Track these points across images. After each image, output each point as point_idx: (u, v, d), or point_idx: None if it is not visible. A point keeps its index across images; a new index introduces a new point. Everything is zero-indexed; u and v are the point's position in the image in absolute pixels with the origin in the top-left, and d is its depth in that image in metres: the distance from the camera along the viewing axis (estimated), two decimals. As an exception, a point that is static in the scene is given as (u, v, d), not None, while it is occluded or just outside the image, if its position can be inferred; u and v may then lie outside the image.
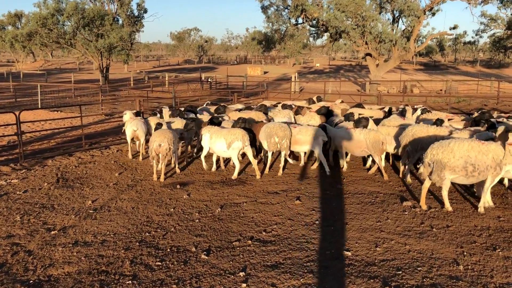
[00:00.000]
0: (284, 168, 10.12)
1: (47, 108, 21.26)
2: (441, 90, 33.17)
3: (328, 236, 6.48)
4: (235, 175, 9.54)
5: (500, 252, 5.95)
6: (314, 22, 36.47)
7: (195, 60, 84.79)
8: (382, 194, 8.45)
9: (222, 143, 9.31)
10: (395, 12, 36.55)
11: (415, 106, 12.30)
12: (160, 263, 5.56)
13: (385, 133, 9.66)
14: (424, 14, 34.08)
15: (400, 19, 36.59)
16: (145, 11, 52.21)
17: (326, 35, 37.79)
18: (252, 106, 13.92)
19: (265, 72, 60.38)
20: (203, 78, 40.80)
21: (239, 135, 9.28)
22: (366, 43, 35.44)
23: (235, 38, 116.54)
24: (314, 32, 37.69)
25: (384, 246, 6.16)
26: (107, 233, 6.51)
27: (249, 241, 6.24)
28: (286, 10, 36.50)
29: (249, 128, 10.03)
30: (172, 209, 7.52)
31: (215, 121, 10.24)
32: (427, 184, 7.72)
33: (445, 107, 23.10)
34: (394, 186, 9.03)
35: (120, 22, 49.49)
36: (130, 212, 7.37)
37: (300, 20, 37.22)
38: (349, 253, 5.90)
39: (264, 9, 36.68)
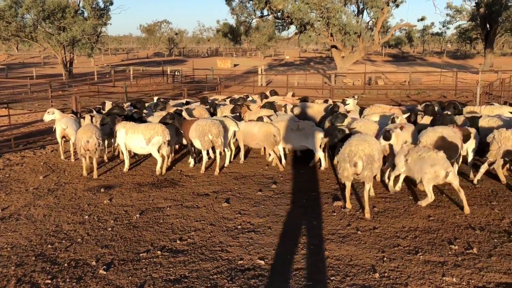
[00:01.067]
0: (223, 167, 9.73)
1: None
2: (404, 81, 33.20)
3: (246, 243, 6.10)
4: (158, 169, 9.27)
5: (421, 256, 5.66)
6: (279, 14, 36.00)
7: (165, 53, 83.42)
8: (316, 193, 8.12)
9: (139, 138, 8.86)
10: (359, 3, 36.41)
11: (347, 100, 12.01)
12: (50, 281, 5.06)
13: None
14: (388, 5, 34.00)
15: (365, 10, 36.43)
16: (111, 3, 50.61)
17: (292, 27, 37.45)
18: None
19: (235, 65, 59.76)
20: (168, 72, 39.95)
21: (159, 130, 8.85)
22: (331, 35, 35.23)
23: (206, 30, 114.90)
24: (279, 24, 37.21)
25: (302, 252, 5.80)
26: (4, 246, 5.98)
27: (159, 252, 5.80)
28: (251, 2, 35.94)
29: (180, 124, 9.54)
30: (87, 216, 7.01)
31: (135, 117, 9.75)
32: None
33: (405, 99, 23.04)
34: (331, 184, 8.70)
35: (86, 14, 48.04)
36: (39, 221, 6.83)
37: (265, 12, 36.76)
38: (262, 262, 5.53)
39: (228, 1, 36.04)
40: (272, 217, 7.01)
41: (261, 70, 37.19)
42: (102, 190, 8.30)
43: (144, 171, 9.60)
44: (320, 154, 9.48)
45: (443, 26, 67.88)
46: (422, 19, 70.75)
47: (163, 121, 9.43)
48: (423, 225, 6.66)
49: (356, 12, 36.66)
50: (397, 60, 62.57)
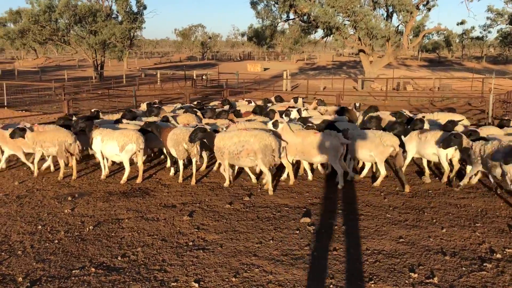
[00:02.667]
0: (205, 176, 9.37)
1: None
2: (434, 87, 31.94)
3: (189, 262, 5.70)
4: (124, 179, 9.04)
5: (372, 285, 5.11)
6: (305, 17, 35.46)
7: (198, 56, 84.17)
8: (288, 208, 7.63)
9: (114, 145, 8.62)
10: (388, 7, 35.34)
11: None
12: (-36, 298, 4.84)
13: None
14: (418, 9, 32.86)
15: (394, 14, 35.34)
16: (145, 8, 51.40)
17: (319, 31, 36.78)
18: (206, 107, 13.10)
19: (265, 69, 59.46)
20: (194, 76, 40.04)
21: (133, 137, 8.59)
22: (359, 39, 34.38)
23: (241, 34, 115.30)
24: (305, 28, 36.61)
25: (245, 275, 5.36)
26: None
27: (93, 269, 5.49)
28: (276, 6, 35.53)
29: (158, 132, 9.24)
30: (40, 227, 6.80)
31: (116, 123, 9.56)
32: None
33: (428, 106, 22.06)
34: (309, 197, 8.19)
35: (120, 18, 48.95)
36: (-10, 230, 6.67)
37: (291, 16, 36.26)
38: (196, 285, 5.12)
39: (254, 4, 35.78)
40: (230, 233, 6.59)
41: (286, 74, 36.66)
42: (70, 198, 8.10)
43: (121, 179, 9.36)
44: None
45: (484, 30, 65.35)
46: (461, 23, 68.54)
47: (141, 129, 9.18)
48: (390, 248, 6.08)
49: (385, 15, 35.57)
50: (433, 65, 60.61)
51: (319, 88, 34.86)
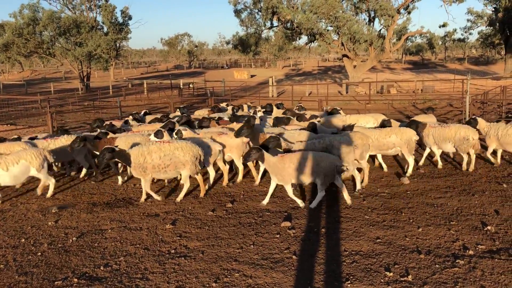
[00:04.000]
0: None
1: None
2: (417, 89, 32.39)
3: (171, 269, 5.81)
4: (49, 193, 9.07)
5: (349, 285, 5.27)
6: (289, 24, 35.78)
7: (185, 65, 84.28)
8: (269, 213, 7.78)
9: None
10: (370, 12, 35.81)
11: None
12: None
13: None
14: (399, 13, 33.35)
15: (376, 18, 35.79)
16: (130, 18, 51.47)
17: (304, 37, 37.12)
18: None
19: (252, 76, 59.82)
20: (181, 85, 40.15)
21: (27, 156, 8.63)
22: (342, 44, 34.78)
23: (226, 42, 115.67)
24: (289, 34, 36.92)
25: (225, 280, 5.48)
26: None
27: (76, 280, 5.58)
28: (260, 13, 35.84)
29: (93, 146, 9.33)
30: (23, 240, 6.87)
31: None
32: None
33: (410, 108, 22.40)
34: (290, 202, 8.34)
35: (105, 29, 48.99)
36: (-26, 245, 6.72)
37: (275, 23, 36.58)
38: (177, 291, 5.23)
39: (237, 12, 36.05)
40: (212, 240, 6.71)
41: (272, 81, 36.92)
42: (53, 210, 8.16)
43: (106, 190, 9.45)
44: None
45: (465, 32, 66.37)
46: (443, 25, 69.41)
47: (71, 145, 9.19)
48: (367, 249, 6.24)
49: (367, 20, 36.02)
50: (417, 68, 61.38)
51: (304, 94, 35.20)
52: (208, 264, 5.93)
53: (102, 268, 5.89)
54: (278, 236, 6.76)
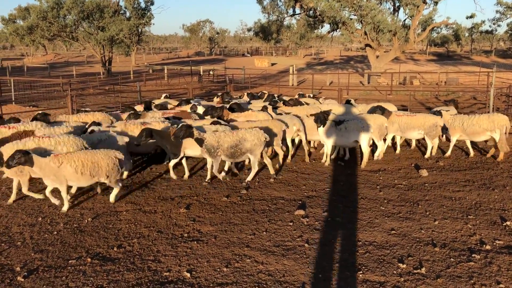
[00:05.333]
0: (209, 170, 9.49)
1: None
2: (440, 81, 31.78)
3: (183, 253, 5.84)
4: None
5: (360, 275, 5.22)
6: (311, 12, 35.39)
7: (206, 52, 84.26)
8: (284, 201, 7.74)
9: None
10: (395, 1, 35.15)
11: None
12: (-36, 286, 5.02)
13: None
14: (425, 3, 32.63)
15: (401, 8, 35.11)
16: (152, 3, 51.58)
17: (326, 26, 36.70)
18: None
19: (273, 64, 59.49)
20: (201, 71, 40.16)
21: None
22: (365, 34, 34.26)
23: (249, 29, 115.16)
24: (311, 22, 36.51)
25: (236, 265, 5.48)
26: None
27: (89, 259, 5.64)
28: (282, 0, 35.51)
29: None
30: (40, 219, 6.97)
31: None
32: None
33: (433, 101, 21.99)
34: (307, 190, 8.29)
35: (128, 14, 49.27)
36: (-8, 222, 6.84)
37: (297, 10, 36.22)
38: (188, 275, 5.26)
39: (259, -1, 35.75)
40: (225, 225, 6.72)
41: (293, 69, 36.65)
42: (71, 192, 8.25)
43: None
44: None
45: (493, 24, 64.75)
46: (471, 17, 67.80)
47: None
48: (381, 240, 6.16)
49: (391, 10, 35.37)
50: (442, 59, 60.16)
51: (325, 83, 34.85)
52: (220, 249, 5.93)
53: (115, 249, 5.95)
54: (291, 224, 6.73)
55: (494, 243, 5.98)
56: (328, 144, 9.79)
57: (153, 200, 7.83)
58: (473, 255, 5.63)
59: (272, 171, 9.10)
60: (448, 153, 10.60)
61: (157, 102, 13.28)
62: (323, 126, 9.55)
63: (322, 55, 78.37)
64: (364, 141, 9.58)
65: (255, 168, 8.81)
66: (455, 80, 31.92)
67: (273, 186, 8.60)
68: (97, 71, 44.85)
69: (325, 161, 10.04)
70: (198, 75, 37.08)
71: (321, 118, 9.42)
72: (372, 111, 10.69)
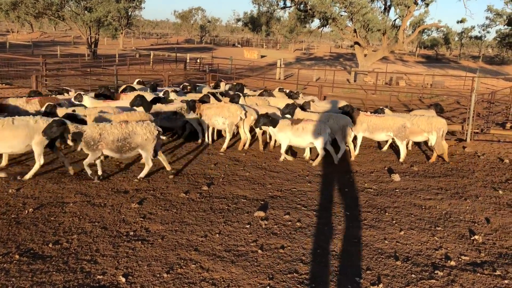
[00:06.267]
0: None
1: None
2: (426, 84, 31.55)
3: (123, 254, 5.35)
4: None
5: (312, 289, 4.78)
6: (302, 6, 34.87)
7: (196, 40, 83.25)
8: (246, 200, 7.28)
9: None
10: (386, 0, 34.80)
11: None
12: None
13: None
14: (416, 4, 32.29)
15: (392, 7, 34.75)
16: (143, -14, 50.53)
17: (317, 21, 36.20)
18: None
19: (262, 56, 58.88)
20: (188, 59, 39.42)
21: None
22: (355, 31, 33.85)
23: (238, 19, 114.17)
24: (302, 16, 35.98)
25: (179, 271, 5.01)
26: None
27: (17, 256, 5.12)
28: (273, -8, 34.88)
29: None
30: (-24, 207, 6.42)
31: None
32: None
33: (416, 103, 21.68)
34: (270, 189, 7.84)
35: (118, -4, 48.13)
36: None
37: (288, 3, 35.66)
38: (123, 280, 4.77)
39: (250, -11, 35.07)
40: (176, 224, 6.24)
41: (280, 63, 36.16)
42: (19, 177, 7.69)
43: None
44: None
45: (483, 30, 64.73)
46: (461, 21, 67.67)
47: None
48: (340, 248, 5.75)
49: (382, 9, 35.00)
50: (430, 62, 60.12)
51: (312, 79, 34.42)
52: (165, 251, 5.46)
53: (50, 245, 5.44)
54: (248, 226, 6.28)
55: (460, 259, 5.60)
56: (284, 144, 9.50)
57: (106, 192, 7.31)
58: (435, 272, 5.24)
59: (168, 168, 8.51)
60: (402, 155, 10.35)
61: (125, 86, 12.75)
62: (274, 127, 9.32)
63: (312, 50, 77.93)
64: (318, 143, 9.25)
65: (148, 165, 8.04)
66: (441, 83, 31.77)
67: (238, 183, 8.13)
68: (82, 52, 43.85)
69: (282, 159, 9.74)
70: (184, 63, 36.36)
71: (266, 118, 9.28)
72: (341, 109, 10.52)
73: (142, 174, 8.05)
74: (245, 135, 10.38)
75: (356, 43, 34.53)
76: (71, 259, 5.15)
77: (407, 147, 10.81)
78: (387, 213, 7.00)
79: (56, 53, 41.48)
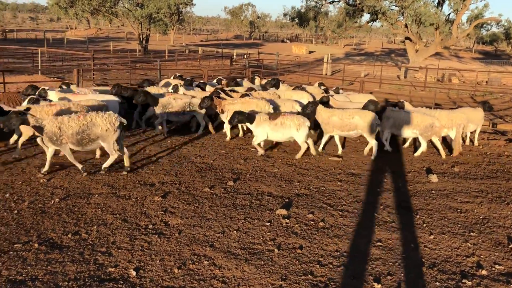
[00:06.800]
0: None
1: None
2: (481, 81, 30.04)
3: (138, 247, 5.33)
4: None
5: (325, 293, 4.56)
6: (351, 0, 34.13)
7: (245, 36, 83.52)
8: (270, 197, 7.11)
9: None
10: (440, -7, 33.40)
11: None
12: None
13: None
14: (471, -2, 30.78)
15: (446, 1, 33.30)
16: (194, -17, 51.20)
17: (365, 15, 35.33)
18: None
19: (311, 52, 58.40)
20: (234, 55, 39.59)
21: None
22: (406, 26, 32.74)
23: (285, 14, 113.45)
24: (350, 11, 35.19)
25: (191, 267, 4.93)
26: None
27: (36, 245, 5.21)
28: (321, -14, 34.32)
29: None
30: (8, 195, 6.60)
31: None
32: None
33: (467, 100, 20.66)
34: (297, 187, 7.63)
35: (170, -8, 49.05)
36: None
37: (336, -3, 35.01)
38: (133, 273, 4.75)
39: (298, -16, 34.65)
40: (196, 219, 6.17)
41: (327, 58, 35.59)
42: (57, 167, 7.88)
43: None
44: None
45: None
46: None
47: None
48: (361, 251, 5.47)
49: (435, 2, 33.61)
50: (488, 58, 57.27)
51: (360, 74, 33.63)
52: (180, 246, 5.39)
53: (69, 235, 5.50)
54: (268, 224, 6.11)
55: (493, 268, 5.19)
56: (259, 138, 9.34)
57: (132, 185, 7.35)
58: (463, 281, 4.88)
59: (127, 164, 8.08)
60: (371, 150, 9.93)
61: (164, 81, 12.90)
62: (250, 123, 9.20)
63: (363, 46, 76.28)
64: (299, 138, 9.11)
65: (113, 156, 7.74)
66: (497, 81, 30.14)
67: (265, 179, 7.97)
68: (133, 48, 44.99)
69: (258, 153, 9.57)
70: (230, 58, 36.50)
71: (241, 115, 9.16)
72: (365, 105, 10.24)
73: (106, 165, 7.78)
74: None
75: (407, 38, 33.42)
76: (87, 250, 5.19)
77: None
78: (418, 216, 6.63)
79: (109, 49, 42.76)
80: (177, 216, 6.24)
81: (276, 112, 9.65)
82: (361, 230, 6.08)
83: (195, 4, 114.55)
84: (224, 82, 13.72)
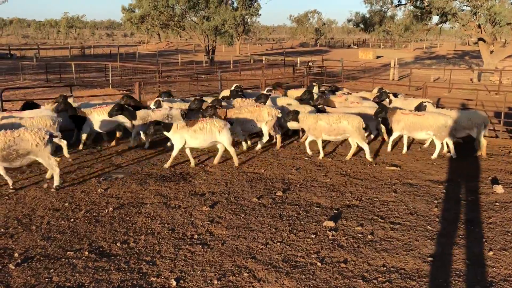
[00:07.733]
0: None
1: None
2: None
3: (182, 257, 5.41)
4: None
5: (366, 310, 4.37)
6: (418, 2, 32.96)
7: (310, 43, 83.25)
8: (319, 208, 6.97)
9: None
10: (518, -11, 31.34)
11: None
12: (-43, 267, 5.07)
13: None
14: (554, -9, 28.67)
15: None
16: (260, -6, 51.89)
17: (434, 17, 33.97)
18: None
19: (378, 57, 57.00)
20: (298, 63, 39.56)
21: None
22: (479, 26, 31.07)
23: (349, 20, 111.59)
24: (418, 13, 33.97)
25: (230, 279, 4.93)
26: (-35, 224, 6.22)
27: (87, 253, 5.45)
28: (387, -11, 33.46)
29: None
30: (67, 204, 6.98)
31: None
32: None
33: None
34: (349, 198, 7.42)
35: (235, 5, 50.12)
36: (22, 202, 6.99)
37: (403, 1, 33.98)
38: (174, 283, 4.82)
39: (363, -12, 34.01)
40: (240, 230, 6.17)
41: (394, 63, 34.57)
42: (111, 177, 8.25)
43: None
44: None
45: None
46: None
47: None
48: (411, 267, 5.19)
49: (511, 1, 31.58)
50: None
51: (429, 79, 32.30)
52: (222, 257, 5.41)
53: (118, 244, 5.70)
54: (313, 236, 5.98)
55: (559, 291, 4.73)
56: (177, 147, 9.00)
57: (183, 194, 7.51)
58: (522, 303, 4.48)
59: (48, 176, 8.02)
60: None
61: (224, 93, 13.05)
62: (167, 131, 8.87)
63: (435, 49, 73.32)
64: (224, 140, 8.94)
65: (54, 170, 7.60)
66: None
67: (315, 190, 7.83)
68: (200, 59, 46.29)
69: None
70: (293, 67, 36.49)
71: (157, 125, 8.80)
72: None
73: (56, 182, 7.65)
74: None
75: (480, 39, 31.68)
76: (133, 259, 5.34)
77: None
78: (477, 229, 6.20)
79: (177, 61, 44.30)
80: (222, 226, 6.27)
81: (193, 119, 9.26)
82: (412, 244, 5.78)
83: (260, 14, 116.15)
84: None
